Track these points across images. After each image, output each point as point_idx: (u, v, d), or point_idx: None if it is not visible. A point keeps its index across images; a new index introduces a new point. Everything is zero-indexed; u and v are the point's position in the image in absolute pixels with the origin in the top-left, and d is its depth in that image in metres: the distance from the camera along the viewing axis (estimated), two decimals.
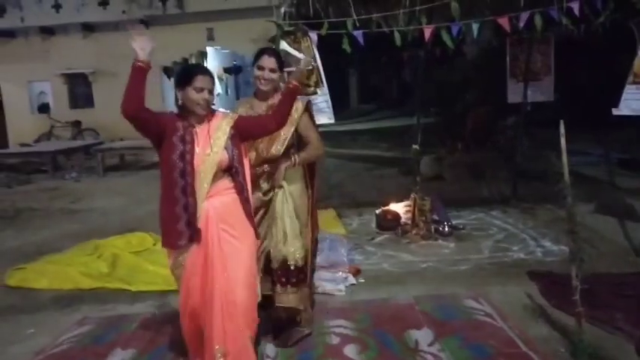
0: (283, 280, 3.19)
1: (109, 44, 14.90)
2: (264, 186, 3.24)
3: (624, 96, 4.68)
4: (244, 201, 2.79)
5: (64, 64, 15.34)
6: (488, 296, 3.93)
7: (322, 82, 4.41)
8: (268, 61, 3.12)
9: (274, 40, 4.41)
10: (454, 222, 5.72)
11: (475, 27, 4.25)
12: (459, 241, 5.36)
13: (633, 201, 6.23)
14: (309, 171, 3.40)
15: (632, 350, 3.11)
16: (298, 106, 3.16)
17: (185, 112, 2.72)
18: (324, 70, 4.55)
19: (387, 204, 5.94)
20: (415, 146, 5.92)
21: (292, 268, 3.19)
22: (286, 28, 4.39)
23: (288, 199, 3.23)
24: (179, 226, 2.62)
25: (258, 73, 3.14)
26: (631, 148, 9.02)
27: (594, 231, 5.28)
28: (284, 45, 4.30)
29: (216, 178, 2.70)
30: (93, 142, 13.09)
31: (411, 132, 6.86)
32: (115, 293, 4.47)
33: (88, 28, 15.05)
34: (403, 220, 5.67)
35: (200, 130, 2.70)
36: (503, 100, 7.06)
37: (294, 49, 4.34)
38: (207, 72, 2.75)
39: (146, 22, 14.64)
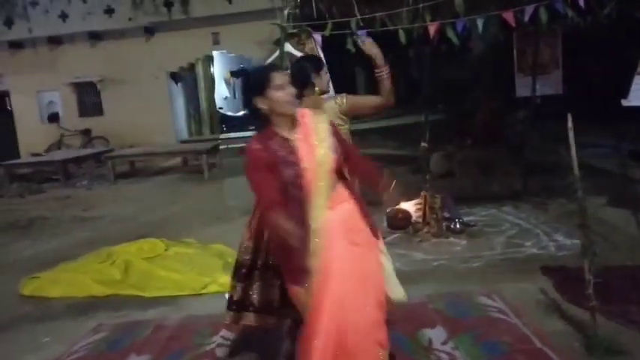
0: None
1: (116, 52, 15.00)
2: None
3: (633, 87, 4.64)
4: (362, 204, 2.56)
5: (73, 73, 15.46)
6: (501, 293, 3.91)
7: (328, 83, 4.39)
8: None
9: (278, 42, 4.42)
10: (465, 219, 5.69)
11: (480, 22, 4.23)
12: (470, 238, 5.33)
13: None
14: None
15: None
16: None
17: (273, 121, 2.43)
18: (329, 70, 4.53)
19: (398, 203, 5.91)
20: (424, 144, 5.89)
21: None
22: (290, 30, 4.39)
23: None
24: (303, 263, 2.35)
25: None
26: None
27: (607, 224, 5.23)
28: (288, 47, 4.30)
29: (332, 184, 2.44)
30: (103, 150, 13.18)
31: (420, 129, 6.83)
32: (129, 299, 4.50)
33: (95, 36, 15.14)
34: (414, 218, 5.64)
35: (298, 140, 2.41)
36: (511, 95, 7.01)
37: (299, 50, 4.34)
38: (278, 68, 2.63)
39: (152, 29, 14.74)
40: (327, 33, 4.20)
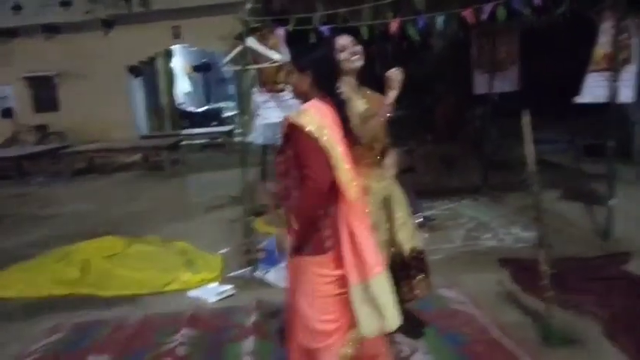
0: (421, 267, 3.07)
1: (73, 45, 14.57)
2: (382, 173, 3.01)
3: (586, 83, 4.78)
4: None
5: (27, 67, 14.94)
6: (461, 285, 3.99)
7: None
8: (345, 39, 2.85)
9: (241, 37, 4.38)
10: (426, 213, 5.78)
11: (440, 20, 4.29)
12: (431, 231, 5.41)
13: (598, 186, 6.36)
14: None
15: (600, 331, 3.19)
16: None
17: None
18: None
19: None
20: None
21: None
22: (253, 25, 4.36)
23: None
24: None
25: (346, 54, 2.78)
26: (596, 135, 9.22)
27: (562, 217, 5.41)
28: (251, 42, 4.27)
29: None
30: (59, 146, 12.80)
31: None
32: (87, 299, 4.41)
33: (51, 29, 14.65)
34: None
35: None
36: (470, 92, 7.14)
37: (262, 45, 4.31)
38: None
39: (110, 22, 14.38)
40: (290, 28, 4.19)
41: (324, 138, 2.17)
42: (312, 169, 2.15)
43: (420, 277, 3.02)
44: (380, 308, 2.24)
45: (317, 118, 2.20)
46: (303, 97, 2.33)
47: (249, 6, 4.32)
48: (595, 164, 7.76)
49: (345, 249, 2.24)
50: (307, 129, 2.16)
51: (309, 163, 2.15)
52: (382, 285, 2.27)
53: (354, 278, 2.23)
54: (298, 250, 2.29)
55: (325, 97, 2.29)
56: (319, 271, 2.28)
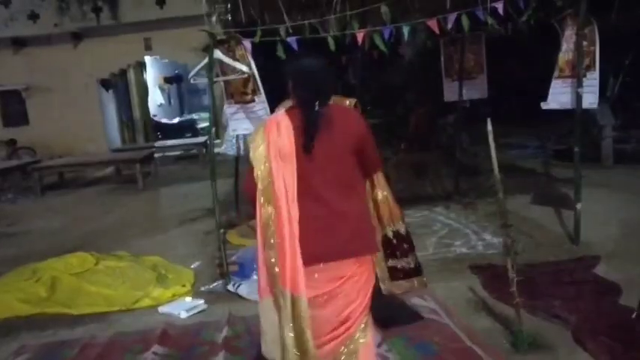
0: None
1: (42, 58, 14.38)
2: None
3: (551, 90, 4.87)
4: None
5: None
6: (433, 292, 4.00)
7: (259, 89, 4.38)
8: None
9: (208, 49, 4.35)
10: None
11: (406, 30, 4.33)
12: None
13: (567, 190, 6.47)
14: None
15: (569, 336, 3.23)
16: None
17: None
18: (262, 77, 4.51)
19: None
20: None
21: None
22: (219, 37, 4.34)
23: None
24: None
25: None
26: (565, 140, 9.39)
27: (531, 221, 5.48)
28: (218, 54, 4.24)
29: None
30: (29, 161, 12.56)
31: None
32: (55, 318, 4.30)
33: (19, 42, 14.46)
34: None
35: None
36: (441, 99, 7.22)
37: (229, 57, 4.29)
38: None
39: (79, 35, 14.22)
40: (256, 40, 4.18)
41: (251, 154, 2.20)
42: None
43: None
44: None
45: (259, 135, 2.21)
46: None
47: (214, 17, 4.30)
48: (565, 169, 7.91)
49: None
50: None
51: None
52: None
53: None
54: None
55: (296, 109, 2.21)
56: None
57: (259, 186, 2.16)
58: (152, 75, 18.68)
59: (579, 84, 4.56)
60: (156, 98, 19.47)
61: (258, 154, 2.18)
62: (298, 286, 2.07)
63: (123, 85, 16.41)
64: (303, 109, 2.18)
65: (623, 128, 8.76)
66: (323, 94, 2.21)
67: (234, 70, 4.26)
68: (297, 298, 2.07)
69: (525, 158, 8.83)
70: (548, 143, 9.62)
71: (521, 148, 9.99)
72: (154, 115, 18.38)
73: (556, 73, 4.83)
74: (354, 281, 2.17)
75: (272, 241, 2.13)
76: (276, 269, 2.12)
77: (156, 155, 12.48)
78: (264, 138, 2.18)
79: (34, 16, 13.95)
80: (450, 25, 4.33)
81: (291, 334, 2.10)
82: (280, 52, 4.22)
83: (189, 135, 16.94)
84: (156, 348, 3.49)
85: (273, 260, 2.13)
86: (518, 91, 11.61)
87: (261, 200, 2.16)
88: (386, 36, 4.27)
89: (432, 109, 9.56)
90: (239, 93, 4.50)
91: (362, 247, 2.22)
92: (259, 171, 2.16)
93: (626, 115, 9.00)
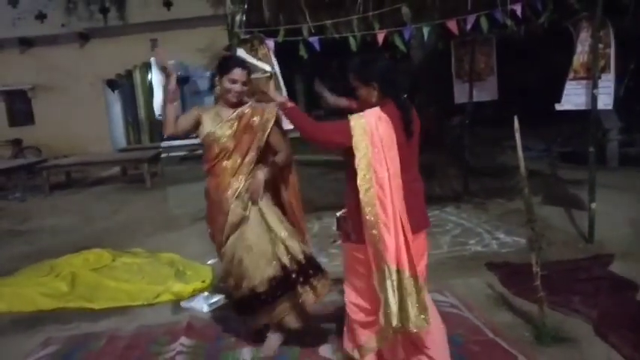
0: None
1: (49, 59, 14.45)
2: (244, 200, 3.10)
3: (565, 91, 4.95)
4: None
5: (1, 80, 14.74)
6: (452, 289, 4.07)
7: (281, 88, 4.45)
8: (241, 74, 3.08)
9: (230, 49, 4.42)
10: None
11: (426, 30, 4.41)
12: None
13: (576, 191, 6.55)
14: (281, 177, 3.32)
15: (590, 330, 3.30)
16: (270, 111, 3.14)
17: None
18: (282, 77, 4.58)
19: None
20: None
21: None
22: (242, 37, 4.41)
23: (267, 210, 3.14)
24: None
25: (230, 86, 3.07)
26: (572, 142, 9.48)
27: (543, 221, 5.53)
28: (241, 53, 4.31)
29: None
30: (36, 160, 12.61)
31: None
32: (78, 312, 4.35)
33: (26, 42, 14.51)
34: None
35: None
36: (449, 101, 7.29)
37: (252, 57, 4.36)
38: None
39: (86, 35, 14.29)
40: (280, 39, 4.25)
41: (353, 141, 2.55)
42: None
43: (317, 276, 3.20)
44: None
45: (359, 126, 2.53)
46: (368, 107, 2.59)
47: (238, 17, 4.37)
48: (571, 170, 8.00)
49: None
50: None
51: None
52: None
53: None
54: None
55: (389, 103, 2.55)
56: None
57: (361, 174, 2.51)
58: (157, 76, 18.70)
59: (595, 85, 4.65)
60: (161, 99, 19.49)
61: (362, 144, 2.50)
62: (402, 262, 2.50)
63: (129, 86, 16.47)
64: (398, 103, 2.56)
65: (628, 131, 8.86)
66: (404, 89, 2.65)
67: (258, 70, 4.32)
68: (401, 272, 2.51)
69: (531, 160, 8.88)
70: (553, 146, 9.70)
71: (527, 150, 10.03)
72: (159, 116, 18.39)
73: (570, 75, 4.91)
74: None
75: (373, 219, 2.50)
76: (380, 246, 2.48)
77: (162, 155, 12.54)
78: (366, 130, 2.50)
79: (41, 16, 14.03)
80: (469, 26, 4.41)
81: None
82: (303, 52, 4.29)
83: (194, 136, 16.93)
84: (183, 340, 3.54)
85: (374, 232, 2.50)
86: (525, 94, 11.69)
87: (365, 185, 2.50)
88: (406, 36, 4.34)
89: (440, 110, 9.65)
90: (260, 92, 4.56)
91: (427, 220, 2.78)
92: (362, 157, 2.50)
93: (631, 119, 9.09)
